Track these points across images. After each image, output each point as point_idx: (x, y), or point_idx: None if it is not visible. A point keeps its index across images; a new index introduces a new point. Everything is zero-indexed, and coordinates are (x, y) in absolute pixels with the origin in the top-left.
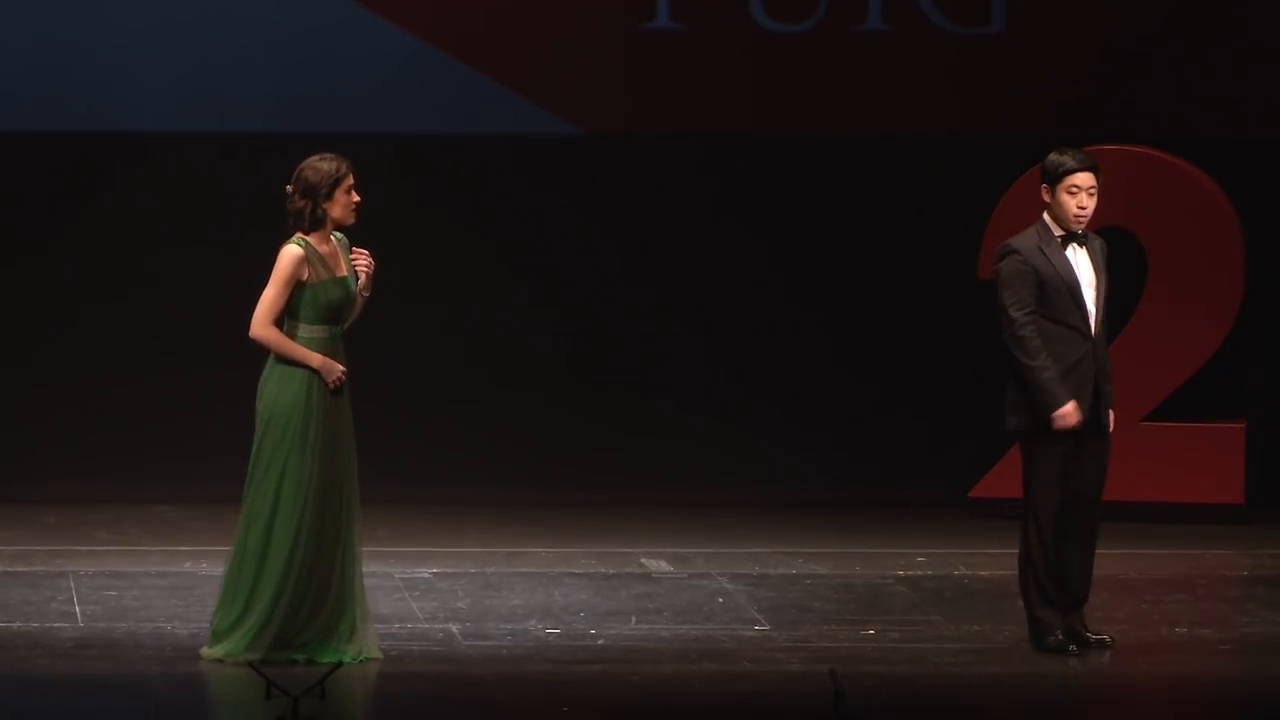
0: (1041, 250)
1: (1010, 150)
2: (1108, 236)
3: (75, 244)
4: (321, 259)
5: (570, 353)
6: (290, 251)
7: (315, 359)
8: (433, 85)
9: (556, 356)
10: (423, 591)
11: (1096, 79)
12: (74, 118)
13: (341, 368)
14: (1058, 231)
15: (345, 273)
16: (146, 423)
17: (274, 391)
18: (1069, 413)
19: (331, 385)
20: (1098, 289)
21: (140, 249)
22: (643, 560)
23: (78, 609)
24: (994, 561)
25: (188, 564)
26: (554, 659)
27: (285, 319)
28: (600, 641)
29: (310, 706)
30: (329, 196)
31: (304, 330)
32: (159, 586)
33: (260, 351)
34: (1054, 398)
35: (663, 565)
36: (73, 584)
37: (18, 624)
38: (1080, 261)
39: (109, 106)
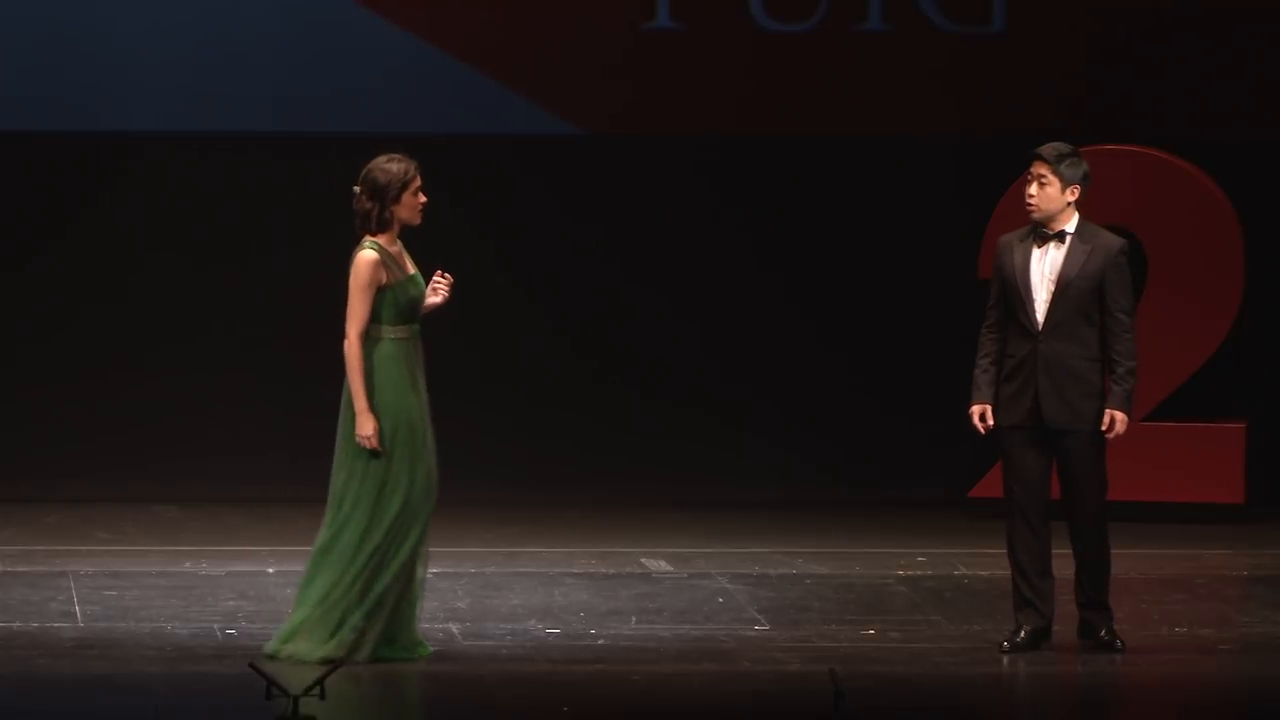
0: (1013, 247)
1: (1010, 150)
2: None
3: (75, 244)
4: (393, 259)
5: (570, 352)
6: (367, 257)
7: (363, 403)
8: (433, 85)
9: (556, 356)
10: (422, 592)
11: (1096, 79)
12: (74, 118)
13: (369, 431)
14: (1038, 228)
15: (414, 270)
16: (146, 423)
17: (381, 398)
18: (973, 413)
19: (358, 439)
20: (1057, 287)
21: (140, 249)
22: (643, 560)
23: (78, 609)
24: (994, 561)
25: (188, 564)
26: (554, 659)
27: (369, 323)
28: (600, 641)
29: (310, 706)
30: (397, 199)
31: (388, 331)
32: (159, 586)
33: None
34: (972, 396)
35: (663, 565)
36: (73, 584)
37: (18, 624)
38: (1046, 259)
39: (109, 107)
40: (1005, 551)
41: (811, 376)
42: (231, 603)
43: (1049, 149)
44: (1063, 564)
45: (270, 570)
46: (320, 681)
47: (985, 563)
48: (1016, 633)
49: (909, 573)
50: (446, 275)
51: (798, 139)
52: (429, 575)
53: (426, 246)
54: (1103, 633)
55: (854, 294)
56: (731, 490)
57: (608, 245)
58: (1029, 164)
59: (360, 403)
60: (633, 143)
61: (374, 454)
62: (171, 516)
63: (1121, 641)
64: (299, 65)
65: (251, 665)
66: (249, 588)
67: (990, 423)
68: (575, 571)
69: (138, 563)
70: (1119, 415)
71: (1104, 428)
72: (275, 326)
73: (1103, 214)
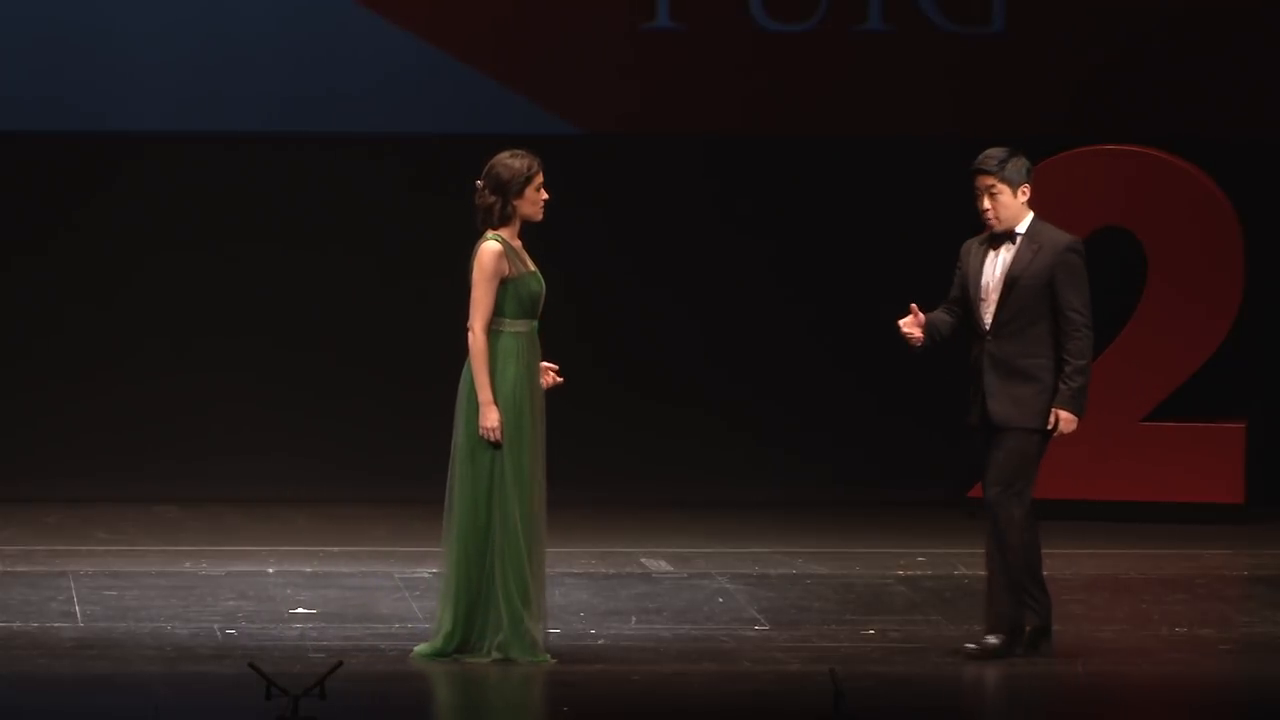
0: (972, 250)
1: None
2: (1108, 236)
3: (76, 244)
4: (516, 253)
5: (570, 352)
6: (490, 248)
7: (487, 394)
8: (433, 85)
9: (556, 356)
10: (423, 591)
11: (1096, 79)
12: (74, 118)
13: (493, 424)
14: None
15: (535, 268)
16: (146, 423)
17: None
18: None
19: (481, 432)
20: (1004, 287)
21: (140, 249)
22: (643, 560)
23: (78, 609)
24: None
25: (188, 564)
26: (554, 659)
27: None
28: (600, 641)
29: (310, 706)
30: (519, 194)
31: (508, 325)
32: (159, 586)
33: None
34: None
35: (663, 565)
36: (73, 584)
37: (18, 624)
38: (998, 260)
39: (109, 107)
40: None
41: (811, 376)
42: (231, 603)
43: (988, 159)
44: (1060, 564)
45: (270, 570)
46: (320, 681)
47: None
48: (987, 636)
49: (909, 573)
50: (553, 368)
51: (798, 139)
52: (429, 575)
53: (426, 247)
54: (995, 639)
55: (854, 294)
56: (731, 490)
57: (607, 245)
58: (972, 179)
59: (484, 394)
60: (633, 143)
61: (495, 446)
62: (171, 516)
63: (977, 646)
64: (299, 65)
65: (251, 665)
66: (249, 588)
67: (919, 318)
68: (575, 571)
69: (138, 563)
70: (1064, 414)
71: (1049, 426)
72: (275, 326)
73: (1103, 214)
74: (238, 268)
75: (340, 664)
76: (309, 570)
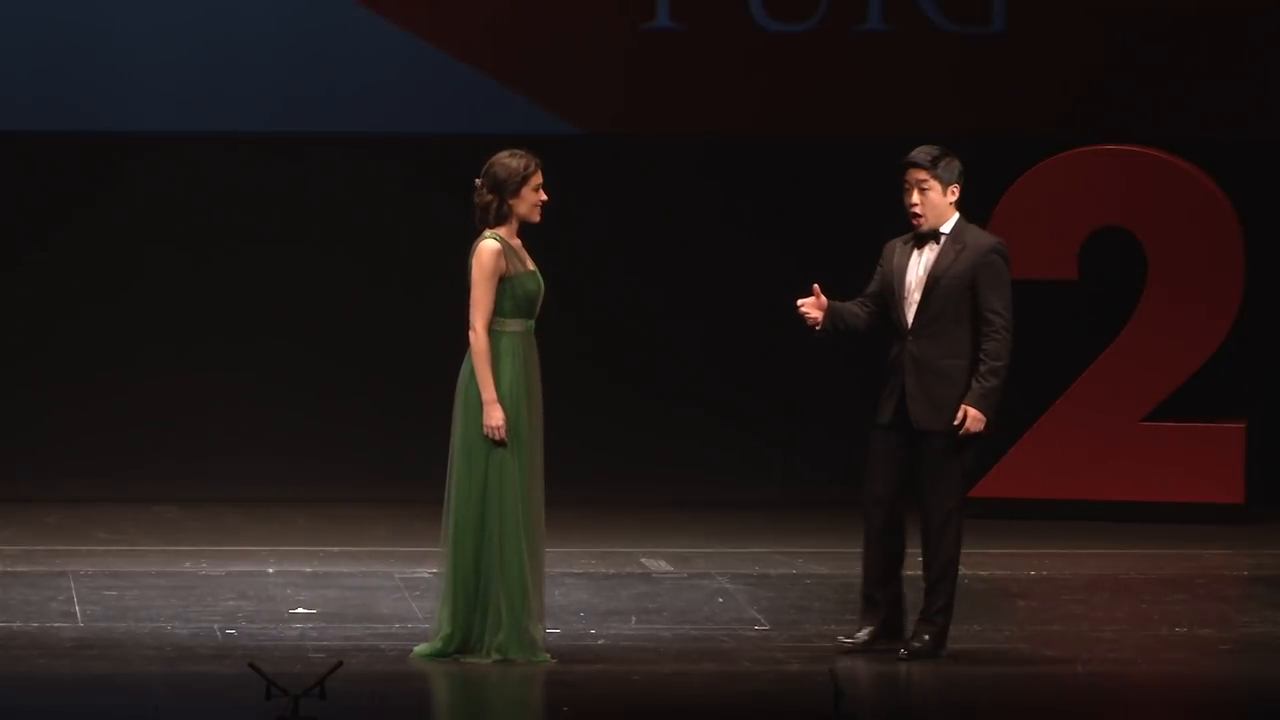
0: (896, 249)
1: (1010, 150)
2: (1108, 236)
3: (76, 244)
4: (514, 252)
5: (570, 352)
6: (489, 246)
7: (491, 393)
8: (433, 85)
9: (555, 356)
10: (423, 591)
11: (1096, 79)
12: (74, 118)
13: (498, 422)
14: (918, 230)
15: (534, 267)
16: (146, 423)
17: (478, 389)
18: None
19: (485, 430)
20: (926, 287)
21: (140, 249)
22: (643, 560)
23: (78, 609)
24: (994, 561)
25: (188, 564)
26: (554, 659)
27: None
28: (600, 641)
29: (310, 706)
30: (516, 193)
31: (502, 324)
32: (159, 586)
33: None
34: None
35: (663, 565)
36: (73, 584)
37: (18, 624)
38: (921, 260)
39: (109, 107)
40: (919, 551)
41: (812, 376)
42: (231, 603)
43: (922, 154)
44: (1060, 564)
45: (270, 570)
46: (320, 681)
47: (985, 563)
48: (858, 631)
49: (909, 573)
50: None
51: (798, 139)
52: (429, 575)
53: (426, 247)
54: (920, 640)
55: (853, 294)
56: (731, 490)
57: (607, 245)
58: (902, 174)
59: (488, 394)
60: (632, 143)
61: (500, 445)
62: (171, 516)
63: (927, 651)
64: (299, 65)
65: (251, 665)
66: (249, 588)
67: (821, 300)
68: (575, 571)
69: (138, 563)
70: (972, 412)
71: (956, 422)
72: (275, 326)
73: (1103, 214)
74: (238, 268)
75: (340, 664)
76: (309, 570)
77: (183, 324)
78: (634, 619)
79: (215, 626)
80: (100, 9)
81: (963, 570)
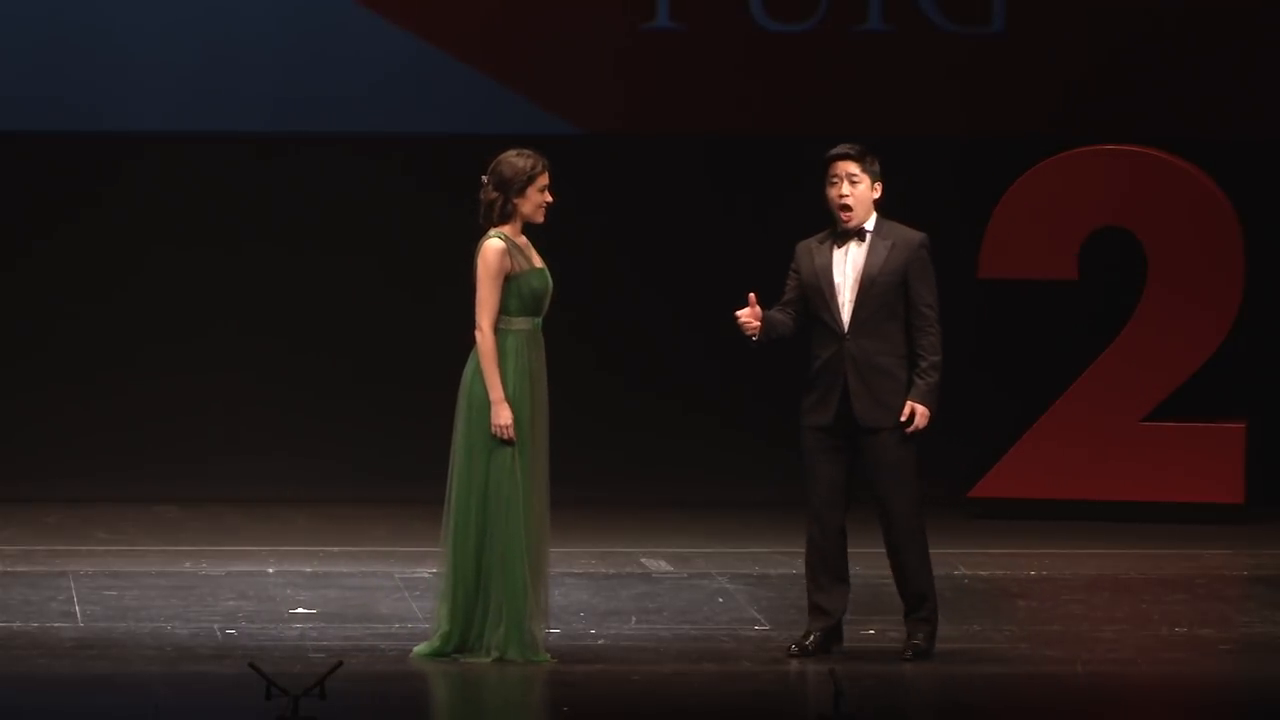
0: (812, 250)
1: (1010, 150)
2: (1108, 236)
3: (76, 244)
4: (520, 250)
5: (570, 352)
6: (494, 245)
7: (498, 393)
8: (433, 85)
9: (555, 356)
10: (423, 591)
11: (1096, 79)
12: (75, 118)
13: (506, 421)
14: (838, 229)
15: (541, 264)
16: (146, 423)
17: (483, 388)
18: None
19: (492, 430)
20: (861, 286)
21: (140, 249)
22: (643, 560)
23: (78, 609)
24: (994, 561)
25: (188, 564)
26: (554, 659)
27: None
28: (600, 641)
29: (310, 706)
30: (521, 192)
31: (507, 323)
32: (159, 586)
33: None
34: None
35: (663, 565)
36: (73, 584)
37: (18, 624)
38: (849, 259)
39: (109, 107)
40: (884, 552)
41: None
42: (231, 603)
43: (852, 148)
44: (1060, 564)
45: (270, 570)
46: (320, 681)
47: (985, 563)
48: (806, 636)
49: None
50: None
51: (798, 139)
52: (429, 575)
53: (425, 247)
54: (918, 639)
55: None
56: (731, 490)
57: (607, 245)
58: (828, 166)
59: (495, 393)
60: (632, 143)
61: (508, 444)
62: (171, 516)
63: (927, 649)
64: (299, 65)
65: (251, 665)
66: (249, 588)
67: (757, 310)
68: (575, 571)
69: (138, 563)
70: (919, 408)
71: (902, 419)
72: (275, 326)
73: (1103, 214)
74: (238, 268)
75: (340, 664)
76: (309, 570)
77: (183, 324)
78: (634, 619)
79: (215, 626)
80: (100, 9)
81: (963, 570)
